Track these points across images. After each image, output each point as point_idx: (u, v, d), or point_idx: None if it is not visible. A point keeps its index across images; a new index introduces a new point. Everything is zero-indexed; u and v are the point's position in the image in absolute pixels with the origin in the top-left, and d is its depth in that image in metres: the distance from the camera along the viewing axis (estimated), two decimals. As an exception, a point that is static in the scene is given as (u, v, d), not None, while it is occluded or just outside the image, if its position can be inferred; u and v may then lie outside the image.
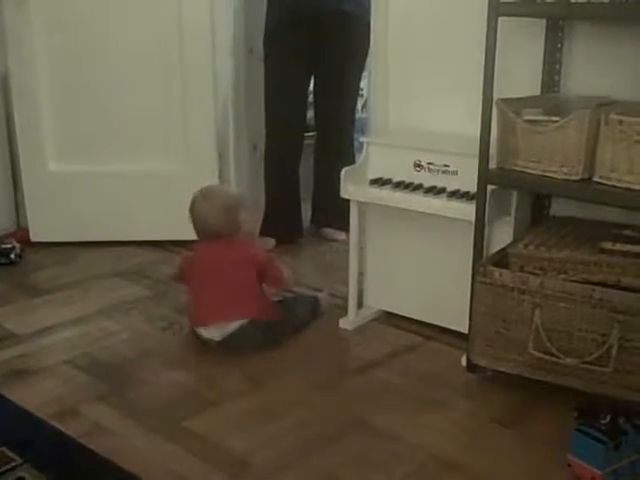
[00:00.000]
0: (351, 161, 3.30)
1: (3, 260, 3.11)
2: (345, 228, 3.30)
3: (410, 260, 2.56)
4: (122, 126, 3.26)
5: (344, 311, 2.60)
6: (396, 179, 2.43)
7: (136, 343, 2.45)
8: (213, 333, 2.38)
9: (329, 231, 3.49)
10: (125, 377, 2.23)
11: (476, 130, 2.14)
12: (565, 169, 1.96)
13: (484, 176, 2.10)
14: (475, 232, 2.15)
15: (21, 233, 3.37)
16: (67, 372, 2.25)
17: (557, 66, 2.25)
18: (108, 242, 3.30)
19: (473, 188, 2.22)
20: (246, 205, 2.54)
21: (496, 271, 2.02)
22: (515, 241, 2.15)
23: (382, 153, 2.49)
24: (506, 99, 2.09)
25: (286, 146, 3.41)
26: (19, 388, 2.15)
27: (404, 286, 2.59)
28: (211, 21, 3.20)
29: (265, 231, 3.40)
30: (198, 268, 2.45)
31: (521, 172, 2.05)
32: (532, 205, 2.34)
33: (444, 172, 2.36)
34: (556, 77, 2.26)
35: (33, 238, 3.33)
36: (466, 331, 2.24)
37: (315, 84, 3.46)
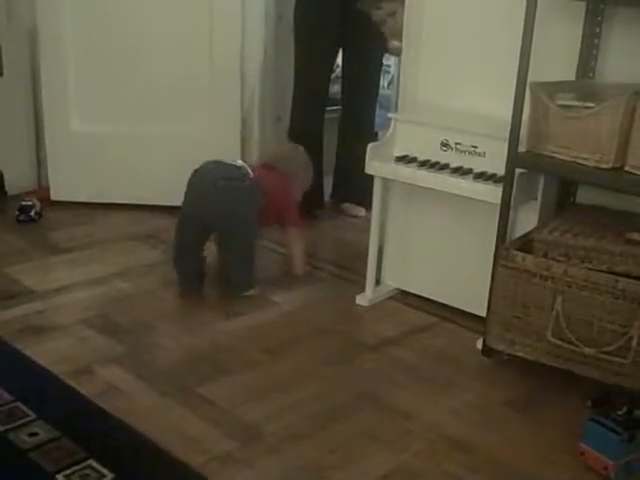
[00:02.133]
0: (372, 136, 3.32)
1: (23, 217, 3.11)
2: (365, 204, 3.34)
3: (431, 240, 2.54)
4: (147, 88, 3.25)
5: (361, 287, 2.59)
6: (422, 158, 2.41)
7: (152, 307, 2.45)
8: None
9: (349, 206, 3.47)
10: (140, 340, 2.23)
11: (506, 112, 2.12)
12: (596, 156, 1.94)
13: (513, 159, 2.08)
14: (500, 215, 2.13)
15: (42, 191, 3.37)
16: (83, 331, 2.26)
17: (594, 51, 2.20)
18: (127, 205, 3.29)
19: (500, 171, 2.20)
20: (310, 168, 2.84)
21: (519, 255, 2.00)
22: (540, 226, 2.12)
23: (409, 130, 2.46)
24: (540, 83, 2.06)
25: (310, 117, 3.38)
26: (35, 344, 2.16)
27: (423, 266, 2.57)
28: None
29: None
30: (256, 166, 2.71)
31: (551, 157, 2.02)
32: (558, 191, 2.31)
33: (471, 153, 2.34)
34: (592, 62, 2.21)
35: (53, 197, 3.33)
36: (483, 314, 2.24)
37: (343, 58, 3.43)
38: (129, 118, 3.27)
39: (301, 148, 2.89)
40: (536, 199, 2.26)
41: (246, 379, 2.07)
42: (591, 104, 1.95)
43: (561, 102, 2.00)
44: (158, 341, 2.23)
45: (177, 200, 3.21)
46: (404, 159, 2.43)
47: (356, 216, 3.42)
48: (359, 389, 2.05)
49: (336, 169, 3.57)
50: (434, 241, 2.53)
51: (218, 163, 2.63)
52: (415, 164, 2.39)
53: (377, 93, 3.52)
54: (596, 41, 2.19)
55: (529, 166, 2.10)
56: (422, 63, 2.56)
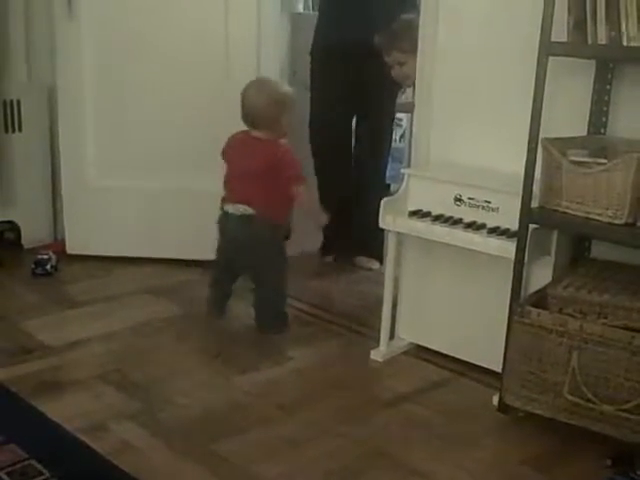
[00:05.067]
0: (384, 190, 3.35)
1: (39, 270, 3.14)
2: (379, 257, 3.36)
3: (445, 294, 2.54)
4: (163, 143, 3.29)
5: (375, 342, 2.59)
6: (435, 212, 2.42)
7: (167, 362, 2.45)
8: (233, 210, 2.60)
9: (363, 259, 3.48)
10: (155, 396, 2.23)
11: (519, 167, 2.14)
12: (610, 212, 1.95)
13: (526, 215, 2.09)
14: (514, 270, 2.13)
15: (58, 245, 3.40)
16: (98, 387, 2.26)
17: (604, 108, 2.23)
18: (143, 258, 3.32)
19: (514, 225, 2.21)
20: (291, 107, 2.65)
21: (534, 311, 1.99)
22: (554, 282, 2.12)
23: (423, 185, 2.48)
24: (552, 139, 2.08)
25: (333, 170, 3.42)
26: (50, 401, 2.16)
27: (437, 320, 2.57)
28: (257, 44, 3.21)
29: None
30: (233, 155, 2.65)
31: (564, 213, 2.03)
32: (572, 246, 2.32)
33: (485, 208, 2.35)
34: (603, 119, 2.24)
35: (69, 250, 3.36)
36: (498, 369, 2.23)
37: (357, 119, 3.49)
38: (145, 172, 3.30)
39: (268, 86, 2.65)
40: (550, 254, 2.27)
41: (261, 436, 2.05)
42: (603, 160, 1.97)
43: (573, 158, 2.01)
44: (173, 398, 2.22)
45: (195, 254, 3.27)
46: (417, 214, 2.44)
47: (370, 269, 3.43)
48: (374, 447, 2.03)
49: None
50: (448, 295, 2.53)
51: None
52: (429, 218, 2.41)
53: (389, 151, 3.56)
54: (606, 97, 2.21)
55: (542, 222, 2.11)
56: (434, 118, 2.59)
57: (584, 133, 2.24)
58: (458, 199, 2.40)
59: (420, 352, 2.59)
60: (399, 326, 2.65)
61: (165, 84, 3.24)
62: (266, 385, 2.34)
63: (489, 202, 2.34)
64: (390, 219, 2.45)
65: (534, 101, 2.03)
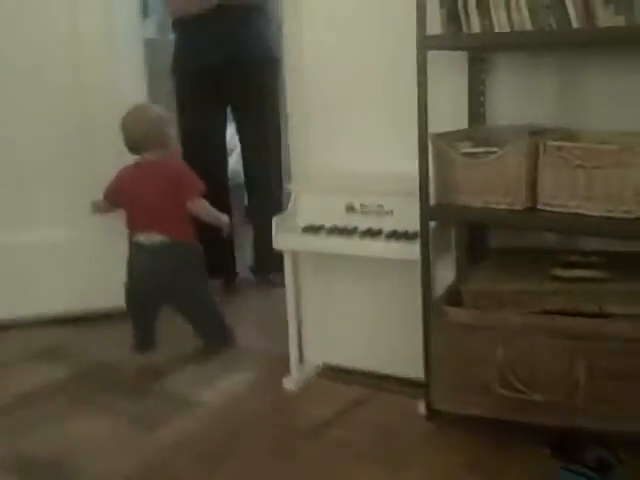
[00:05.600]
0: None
1: None
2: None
3: (350, 308, 2.46)
4: (14, 187, 3.02)
5: (283, 369, 2.46)
6: (329, 224, 2.34)
7: (67, 433, 2.21)
8: (145, 240, 2.59)
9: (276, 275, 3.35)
10: (63, 472, 1.99)
11: (405, 166, 2.10)
12: (507, 199, 1.92)
13: (426, 213, 2.03)
14: (422, 270, 2.06)
15: None
16: (-5, 476, 2.01)
17: (481, 98, 2.23)
18: (16, 322, 3.03)
19: (411, 227, 2.18)
20: (172, 123, 2.73)
21: (452, 310, 1.93)
22: (462, 278, 2.08)
23: (310, 200, 2.39)
24: (439, 134, 2.04)
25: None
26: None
27: (345, 336, 2.48)
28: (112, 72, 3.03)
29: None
30: (132, 186, 2.63)
31: (463, 206, 1.99)
32: (470, 240, 2.28)
33: (378, 213, 2.29)
34: (481, 109, 2.24)
35: None
36: (417, 377, 2.18)
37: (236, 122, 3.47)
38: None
39: (146, 108, 2.69)
40: (449, 251, 2.23)
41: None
42: (494, 149, 1.94)
43: (465, 150, 1.98)
44: (85, 470, 1.99)
45: (71, 307, 3.02)
46: (310, 229, 2.34)
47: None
48: (310, 480, 1.91)
49: (255, 242, 3.51)
50: (354, 309, 2.44)
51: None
52: (323, 232, 2.31)
53: (279, 147, 3.40)
54: (482, 87, 2.21)
55: (443, 218, 2.07)
56: (310, 126, 2.49)
57: (465, 126, 2.23)
58: (350, 207, 2.33)
59: (333, 372, 2.49)
60: (307, 348, 2.54)
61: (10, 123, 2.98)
62: (181, 438, 2.15)
63: (382, 206, 2.28)
64: (283, 238, 2.34)
65: (419, 97, 1.97)
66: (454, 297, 2.03)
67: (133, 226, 2.64)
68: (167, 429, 2.20)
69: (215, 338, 2.73)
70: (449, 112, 2.23)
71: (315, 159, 2.50)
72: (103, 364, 2.67)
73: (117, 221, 2.97)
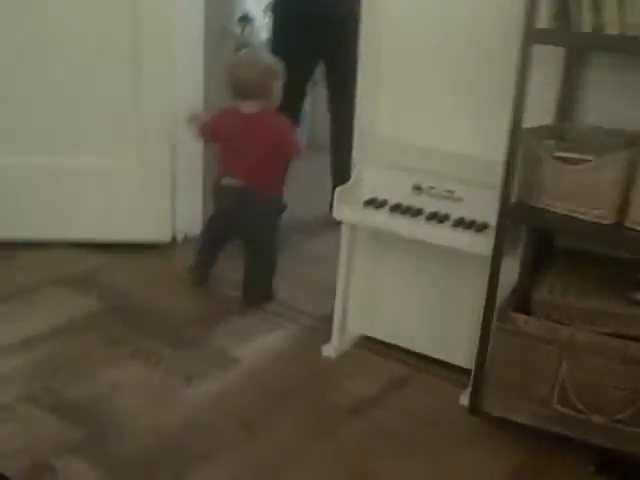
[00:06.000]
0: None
1: None
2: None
3: (398, 284, 2.40)
4: (66, 115, 2.94)
5: (323, 334, 2.42)
6: (393, 201, 2.26)
7: (102, 373, 2.19)
8: (235, 184, 2.63)
9: None
10: (99, 420, 1.97)
11: (484, 152, 2.04)
12: (596, 212, 1.84)
13: (506, 212, 1.95)
14: (491, 271, 1.99)
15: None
16: (29, 413, 1.98)
17: (573, 93, 2.12)
18: (50, 243, 2.98)
19: (480, 217, 2.12)
20: (280, 76, 2.68)
21: (521, 318, 1.88)
22: (529, 279, 2.02)
23: (375, 173, 2.30)
24: (530, 129, 1.94)
25: None
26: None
27: (391, 312, 2.43)
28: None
29: None
30: (230, 131, 2.64)
31: (546, 210, 1.91)
32: (538, 237, 2.21)
33: (447, 198, 2.21)
34: (571, 105, 2.13)
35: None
36: (459, 364, 2.21)
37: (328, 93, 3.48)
38: (47, 148, 2.95)
39: (258, 57, 2.72)
40: (516, 247, 2.17)
41: (226, 464, 1.85)
42: (589, 157, 1.85)
43: (557, 154, 1.89)
44: (120, 421, 1.98)
45: (106, 235, 2.96)
46: (373, 203, 2.27)
47: None
48: (349, 466, 1.88)
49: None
50: (402, 286, 2.39)
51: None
52: (386, 208, 2.24)
53: None
54: (575, 82, 2.10)
55: (522, 219, 2.00)
56: (382, 94, 2.38)
57: (549, 120, 2.13)
58: (417, 188, 2.25)
59: (372, 345, 2.45)
60: (350, 316, 2.48)
61: (63, 49, 2.88)
62: (217, 397, 2.13)
63: (452, 192, 2.20)
64: (344, 209, 2.26)
65: (516, 93, 1.86)
66: (519, 301, 1.98)
67: (226, 167, 2.67)
68: (203, 385, 2.18)
69: (256, 294, 2.72)
70: (535, 104, 2.11)
71: (384, 129, 2.39)
72: (139, 302, 2.63)
73: (161, 155, 2.95)
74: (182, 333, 2.45)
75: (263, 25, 4.41)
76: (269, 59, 2.72)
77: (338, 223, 2.32)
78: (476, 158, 2.17)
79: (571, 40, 1.89)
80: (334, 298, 2.38)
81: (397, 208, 2.23)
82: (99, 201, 3.04)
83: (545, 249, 2.20)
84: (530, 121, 2.01)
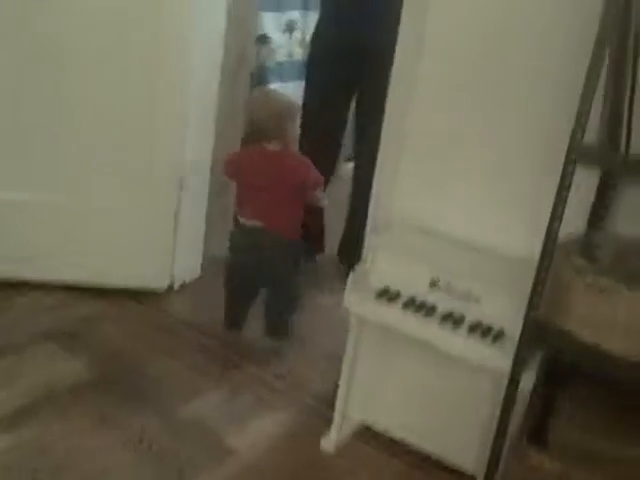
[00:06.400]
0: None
1: None
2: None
3: (405, 378, 2.26)
4: (71, 155, 2.81)
5: (323, 420, 2.31)
6: (406, 293, 2.13)
7: (92, 465, 2.05)
8: (252, 226, 2.60)
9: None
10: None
11: (509, 247, 2.02)
12: (624, 345, 1.72)
13: (530, 333, 1.82)
14: (507, 392, 1.87)
15: None
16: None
17: (607, 199, 1.99)
18: (48, 284, 2.85)
19: (497, 321, 2.00)
20: (295, 116, 2.66)
21: (535, 457, 1.75)
22: (551, 409, 1.89)
23: (392, 260, 2.17)
24: (559, 245, 1.81)
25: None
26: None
27: (395, 404, 2.30)
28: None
29: None
30: (251, 170, 2.62)
31: (569, 336, 1.78)
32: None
33: (464, 297, 2.08)
34: (604, 213, 2.00)
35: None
36: (465, 468, 2.14)
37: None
38: (47, 184, 2.82)
39: (273, 93, 2.81)
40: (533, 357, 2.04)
41: None
42: (623, 287, 1.72)
43: (589, 281, 1.76)
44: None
45: (104, 279, 2.89)
46: (386, 294, 2.14)
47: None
48: None
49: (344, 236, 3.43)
50: (411, 381, 2.24)
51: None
52: (399, 303, 2.11)
53: None
54: (611, 193, 1.97)
55: (544, 341, 1.87)
56: (404, 165, 2.29)
57: (582, 226, 2.00)
58: (433, 283, 2.12)
59: (374, 437, 2.32)
60: (352, 404, 2.35)
61: (65, 73, 2.73)
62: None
63: (470, 290, 2.07)
64: (354, 299, 2.14)
65: (554, 209, 1.74)
66: (533, 428, 1.85)
67: (243, 208, 2.64)
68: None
69: (273, 328, 2.72)
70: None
71: (403, 208, 2.30)
72: (132, 367, 2.51)
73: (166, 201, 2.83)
74: (176, 410, 2.33)
75: (281, 45, 4.29)
76: (281, 99, 2.68)
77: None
78: (499, 253, 2.10)
79: (619, 168, 1.74)
80: (338, 373, 2.26)
81: (411, 304, 2.10)
82: (99, 244, 2.91)
83: (563, 363, 2.08)
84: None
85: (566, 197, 1.72)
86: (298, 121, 2.68)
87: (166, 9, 2.69)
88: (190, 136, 2.90)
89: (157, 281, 3.00)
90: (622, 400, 1.89)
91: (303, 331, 2.85)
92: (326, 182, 2.85)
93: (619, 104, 1.68)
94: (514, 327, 1.94)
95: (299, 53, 4.38)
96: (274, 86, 4.16)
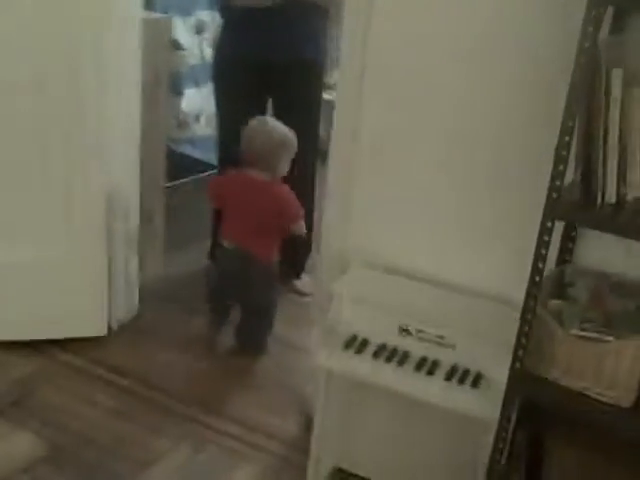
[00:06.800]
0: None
1: None
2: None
3: (378, 425, 2.18)
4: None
5: (294, 470, 2.22)
6: (375, 340, 2.05)
7: None
8: (232, 248, 2.74)
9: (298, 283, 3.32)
10: None
11: (482, 286, 1.98)
12: (613, 392, 1.69)
13: (515, 386, 1.76)
14: (494, 446, 1.82)
15: None
16: None
17: (573, 234, 1.95)
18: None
19: (473, 364, 1.97)
20: (293, 148, 2.72)
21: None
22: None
23: (356, 307, 2.08)
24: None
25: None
26: None
27: (369, 449, 2.22)
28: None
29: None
30: (234, 196, 2.74)
31: (555, 385, 1.74)
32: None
33: (437, 343, 2.01)
34: (571, 245, 1.96)
35: None
36: None
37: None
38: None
39: (272, 124, 2.73)
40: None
41: None
42: (609, 338, 1.68)
43: (575, 332, 1.71)
44: None
45: (38, 333, 2.69)
46: (353, 343, 2.05)
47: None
48: None
49: None
50: (384, 428, 2.17)
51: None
52: (368, 352, 2.02)
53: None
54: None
55: (530, 392, 1.81)
56: (357, 192, 2.18)
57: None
58: (404, 330, 2.04)
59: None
60: (324, 452, 2.25)
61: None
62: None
63: (442, 337, 2.01)
64: (325, 353, 2.04)
65: (533, 266, 1.67)
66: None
67: (225, 231, 2.79)
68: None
69: (248, 344, 2.85)
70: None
71: (360, 244, 2.20)
72: (83, 435, 2.33)
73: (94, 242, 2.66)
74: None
75: (192, 48, 4.08)
76: (284, 130, 2.71)
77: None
78: (472, 293, 2.03)
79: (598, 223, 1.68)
80: (305, 416, 2.21)
81: (381, 352, 2.03)
82: (24, 296, 2.69)
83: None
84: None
85: (545, 255, 1.65)
86: (292, 154, 2.73)
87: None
88: (115, 168, 2.70)
89: (93, 328, 2.80)
90: (606, 452, 1.86)
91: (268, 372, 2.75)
92: None
93: (592, 161, 1.62)
94: (492, 369, 1.90)
95: (210, 54, 4.20)
96: (189, 92, 4.00)
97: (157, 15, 3.29)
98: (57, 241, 2.64)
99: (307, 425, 2.33)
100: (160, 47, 3.12)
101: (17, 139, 2.52)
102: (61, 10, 2.40)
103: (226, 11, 3.07)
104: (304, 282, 3.31)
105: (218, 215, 3.18)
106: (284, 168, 2.72)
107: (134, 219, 2.89)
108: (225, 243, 2.77)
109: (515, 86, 1.91)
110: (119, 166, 2.73)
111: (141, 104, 2.78)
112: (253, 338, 2.85)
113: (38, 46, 2.41)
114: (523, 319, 1.71)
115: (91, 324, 2.80)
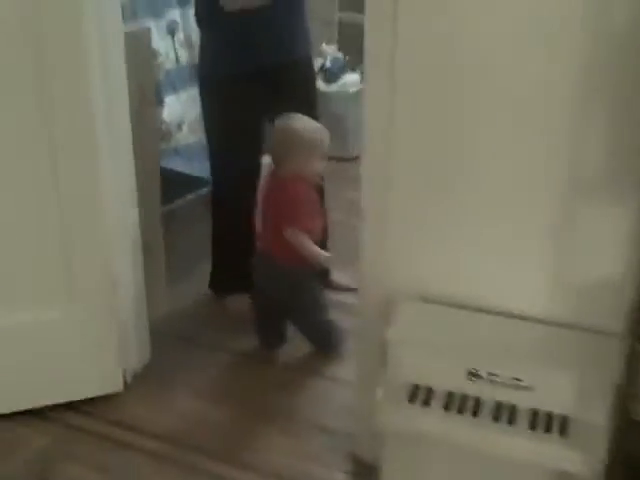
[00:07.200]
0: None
1: None
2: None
3: None
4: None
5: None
6: (440, 388, 1.82)
7: None
8: (260, 257, 2.67)
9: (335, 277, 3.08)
10: None
11: (559, 314, 1.79)
12: None
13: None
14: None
15: None
16: None
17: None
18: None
19: (555, 406, 1.73)
20: (323, 145, 2.58)
21: None
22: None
23: (414, 351, 1.84)
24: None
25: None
26: None
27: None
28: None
29: None
30: (261, 199, 2.71)
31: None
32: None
33: (513, 386, 1.79)
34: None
35: None
36: None
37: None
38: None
39: (299, 130, 2.54)
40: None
41: None
42: None
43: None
44: None
45: (48, 399, 2.44)
46: (417, 394, 1.81)
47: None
48: None
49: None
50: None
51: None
52: (436, 402, 1.79)
53: None
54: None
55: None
56: (395, 216, 1.94)
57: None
58: (473, 374, 1.81)
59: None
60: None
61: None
62: None
63: (519, 380, 1.78)
64: (387, 413, 1.80)
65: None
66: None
67: (257, 237, 2.75)
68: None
69: (327, 343, 2.73)
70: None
71: (404, 278, 1.96)
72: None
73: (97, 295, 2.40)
74: None
75: (167, 51, 3.79)
76: (311, 128, 2.58)
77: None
78: (549, 322, 1.82)
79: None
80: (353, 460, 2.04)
81: (451, 403, 1.79)
82: (25, 363, 2.42)
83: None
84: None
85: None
86: (323, 152, 2.58)
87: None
88: (114, 204, 2.42)
89: (108, 384, 2.54)
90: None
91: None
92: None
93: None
94: (577, 409, 1.69)
95: (184, 56, 3.92)
96: (169, 100, 3.71)
97: (134, 26, 3.00)
98: (57, 300, 2.38)
99: (357, 472, 2.12)
100: (143, 61, 2.83)
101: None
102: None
103: (213, 20, 2.78)
104: (339, 275, 3.06)
105: (217, 237, 3.00)
106: (316, 167, 2.57)
107: (137, 256, 2.62)
108: (257, 255, 2.70)
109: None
110: (119, 205, 2.45)
111: (132, 128, 2.49)
112: (321, 342, 2.72)
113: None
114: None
115: (106, 381, 2.54)
